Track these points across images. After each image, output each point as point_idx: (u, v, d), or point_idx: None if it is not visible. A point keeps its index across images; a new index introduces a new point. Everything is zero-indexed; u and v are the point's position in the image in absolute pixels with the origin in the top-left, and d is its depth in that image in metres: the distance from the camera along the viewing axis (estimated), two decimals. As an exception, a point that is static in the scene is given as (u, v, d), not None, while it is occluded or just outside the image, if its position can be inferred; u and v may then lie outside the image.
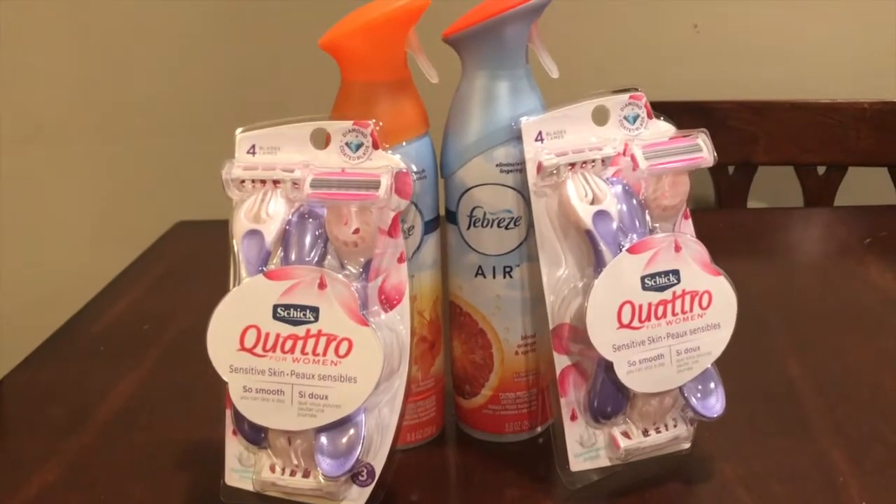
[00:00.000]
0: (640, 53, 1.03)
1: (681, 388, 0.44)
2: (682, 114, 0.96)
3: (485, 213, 0.46)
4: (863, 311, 0.65)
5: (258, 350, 0.40)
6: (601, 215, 0.43)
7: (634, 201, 0.44)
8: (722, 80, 1.03)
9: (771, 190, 1.04)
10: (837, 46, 1.03)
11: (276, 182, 0.42)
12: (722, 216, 0.93)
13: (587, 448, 0.44)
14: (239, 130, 0.44)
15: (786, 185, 1.01)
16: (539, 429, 0.50)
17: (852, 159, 0.97)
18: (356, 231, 0.41)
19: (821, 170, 0.98)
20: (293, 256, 0.42)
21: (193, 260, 0.80)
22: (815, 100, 0.96)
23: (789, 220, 0.89)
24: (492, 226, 0.46)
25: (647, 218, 0.45)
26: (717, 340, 0.44)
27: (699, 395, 0.44)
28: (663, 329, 0.43)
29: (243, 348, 0.41)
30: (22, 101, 1.05)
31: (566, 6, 0.96)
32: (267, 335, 0.40)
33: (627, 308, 0.42)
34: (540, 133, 0.44)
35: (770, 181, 1.02)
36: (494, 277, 0.47)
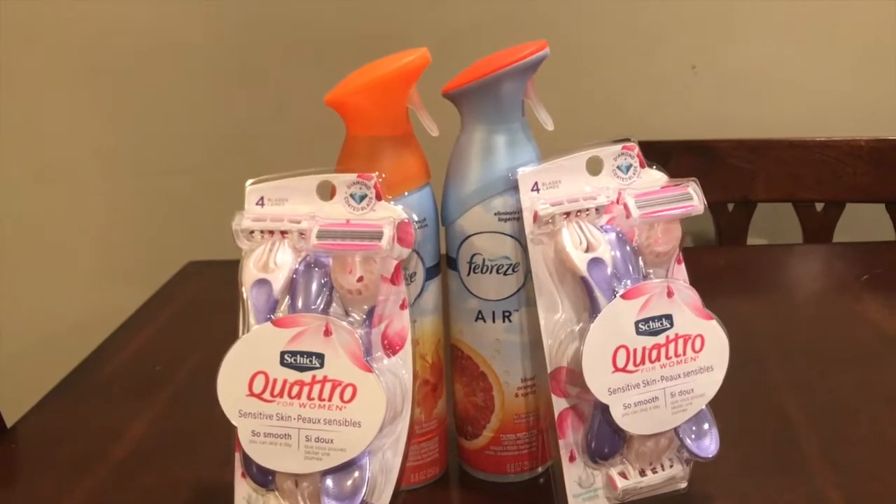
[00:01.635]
0: (640, 94, 1.05)
1: (676, 430, 0.45)
2: (682, 152, 0.98)
3: (484, 260, 0.47)
4: (860, 348, 0.66)
5: (266, 395, 0.42)
6: (596, 262, 0.44)
7: (628, 248, 0.46)
8: (720, 120, 1.04)
9: (770, 226, 1.06)
10: (834, 85, 1.04)
11: (283, 233, 0.44)
12: (722, 253, 0.94)
13: (586, 488, 0.46)
14: (248, 183, 0.45)
15: (785, 222, 1.02)
16: (540, 469, 0.51)
17: (850, 196, 0.98)
18: (360, 279, 0.43)
19: (819, 206, 0.99)
20: (300, 304, 0.43)
21: (205, 299, 0.81)
22: (812, 137, 0.97)
23: (788, 257, 0.90)
24: (491, 272, 0.48)
25: (641, 264, 0.46)
26: (710, 382, 0.46)
27: (694, 436, 0.46)
28: (657, 372, 0.44)
29: (252, 394, 0.42)
30: (31, 141, 1.06)
31: (565, 54, 0.98)
32: (275, 381, 0.42)
33: (622, 352, 0.44)
34: (536, 183, 0.45)
35: (769, 218, 1.03)
36: (494, 322, 0.48)
